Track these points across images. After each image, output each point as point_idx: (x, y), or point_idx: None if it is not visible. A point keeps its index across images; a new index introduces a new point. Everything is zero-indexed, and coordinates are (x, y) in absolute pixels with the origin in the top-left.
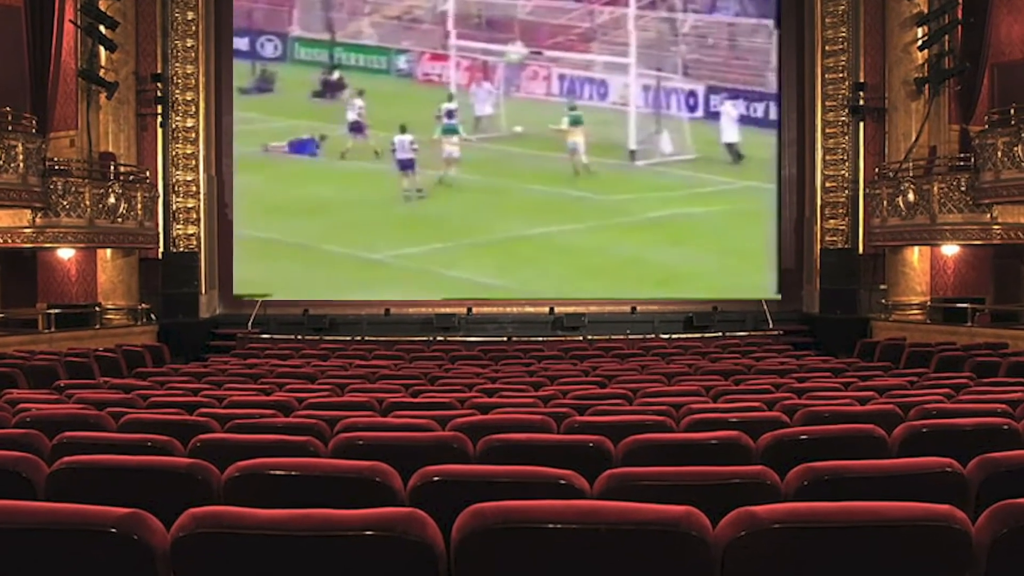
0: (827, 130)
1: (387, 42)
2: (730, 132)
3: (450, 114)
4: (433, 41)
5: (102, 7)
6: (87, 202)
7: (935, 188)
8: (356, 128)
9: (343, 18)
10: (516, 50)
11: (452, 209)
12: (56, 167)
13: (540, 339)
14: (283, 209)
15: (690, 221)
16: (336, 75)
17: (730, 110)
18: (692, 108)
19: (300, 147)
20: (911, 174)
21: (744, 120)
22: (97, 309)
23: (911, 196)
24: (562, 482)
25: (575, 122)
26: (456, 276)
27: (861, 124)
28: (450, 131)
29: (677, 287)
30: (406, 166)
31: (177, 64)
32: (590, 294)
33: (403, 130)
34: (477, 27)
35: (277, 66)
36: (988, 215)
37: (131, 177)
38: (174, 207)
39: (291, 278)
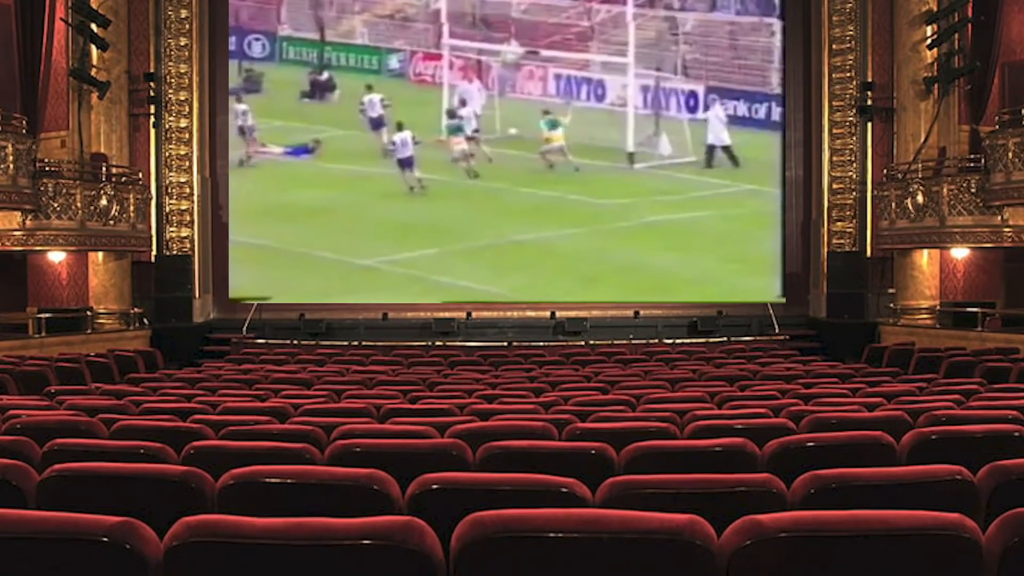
0: (834, 130)
1: (379, 41)
2: (719, 134)
3: (451, 114)
4: (426, 40)
5: (94, 5)
6: (78, 204)
7: (944, 190)
8: (378, 124)
9: (333, 17)
10: (511, 49)
11: (448, 212)
12: (47, 168)
13: (541, 344)
14: (279, 212)
15: (693, 224)
16: (325, 75)
17: (719, 112)
18: (692, 109)
19: (294, 152)
20: (920, 175)
21: (748, 121)
22: (89, 313)
23: (920, 198)
24: (564, 490)
25: (553, 126)
26: (453, 281)
27: (869, 124)
28: (455, 130)
29: (680, 291)
30: (407, 164)
31: (170, 63)
32: (591, 299)
33: (400, 127)
34: (471, 26)
35: (265, 66)
36: (999, 217)
37: (123, 179)
38: (167, 209)
39: (287, 282)
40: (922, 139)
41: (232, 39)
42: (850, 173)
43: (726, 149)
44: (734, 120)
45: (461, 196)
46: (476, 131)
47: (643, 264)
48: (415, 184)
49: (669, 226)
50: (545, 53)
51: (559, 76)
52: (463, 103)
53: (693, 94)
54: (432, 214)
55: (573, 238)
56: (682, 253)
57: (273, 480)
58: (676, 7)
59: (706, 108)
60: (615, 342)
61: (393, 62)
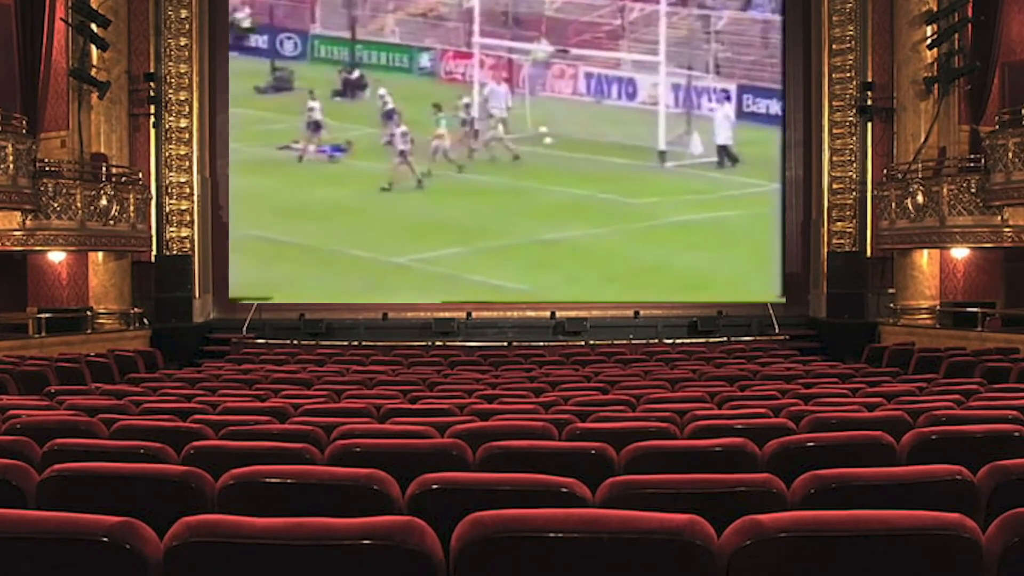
0: (834, 130)
1: (410, 40)
2: (724, 133)
3: (438, 107)
4: (457, 39)
5: (94, 5)
6: (78, 204)
7: (944, 190)
8: (390, 116)
9: (367, 15)
10: (542, 48)
11: (464, 212)
12: (47, 168)
13: (541, 344)
14: (286, 212)
15: (708, 224)
16: (357, 74)
17: (728, 111)
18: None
19: (328, 150)
20: (920, 175)
21: (778, 120)
22: (89, 313)
23: (920, 198)
24: (564, 490)
25: (441, 123)
26: (483, 280)
27: (869, 124)
28: (439, 124)
29: (684, 291)
30: (403, 156)
31: (170, 63)
32: (598, 298)
33: (399, 120)
34: (503, 24)
35: (296, 65)
36: (999, 217)
37: (123, 179)
38: (167, 209)
39: (287, 282)
40: (922, 139)
41: (264, 38)
42: (850, 173)
43: (724, 148)
44: (766, 119)
45: (490, 194)
46: (465, 123)
47: (650, 264)
48: (405, 179)
49: (685, 226)
50: (576, 52)
51: (590, 75)
52: (470, 94)
53: (725, 92)
54: (460, 213)
55: (599, 237)
56: (687, 253)
57: (273, 480)
58: (709, 5)
59: (740, 106)
60: (615, 342)
61: (424, 60)
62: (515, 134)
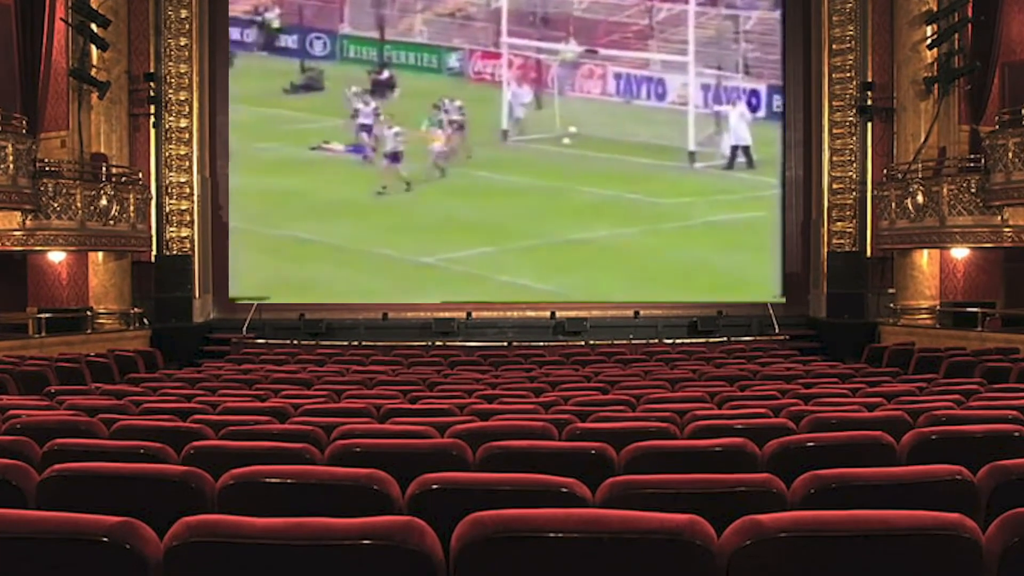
0: (834, 130)
1: (438, 40)
2: (741, 134)
3: (437, 106)
4: (485, 39)
5: (94, 5)
6: (78, 204)
7: (944, 190)
8: (395, 158)
9: (395, 15)
10: (571, 48)
11: (491, 212)
12: (47, 168)
13: (541, 344)
14: (296, 212)
15: (702, 226)
16: (386, 74)
17: (743, 110)
18: (754, 108)
19: (356, 150)
20: (920, 175)
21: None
22: (89, 313)
23: (920, 198)
24: (564, 490)
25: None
26: (511, 280)
27: (869, 124)
28: (436, 124)
29: (684, 291)
30: (394, 159)
31: (170, 63)
32: (632, 298)
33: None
34: (531, 24)
35: (325, 65)
36: (999, 217)
37: (123, 179)
38: (167, 209)
39: (287, 282)
40: (922, 139)
41: (294, 37)
42: (850, 173)
43: (745, 150)
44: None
45: (516, 194)
46: (453, 122)
47: (664, 263)
48: (395, 182)
49: (693, 227)
50: (605, 52)
51: (619, 75)
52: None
53: (755, 92)
54: (487, 213)
55: (623, 238)
56: (693, 252)
57: (273, 480)
58: (738, 5)
59: (770, 106)
60: (615, 342)
61: (452, 60)
62: (543, 134)
